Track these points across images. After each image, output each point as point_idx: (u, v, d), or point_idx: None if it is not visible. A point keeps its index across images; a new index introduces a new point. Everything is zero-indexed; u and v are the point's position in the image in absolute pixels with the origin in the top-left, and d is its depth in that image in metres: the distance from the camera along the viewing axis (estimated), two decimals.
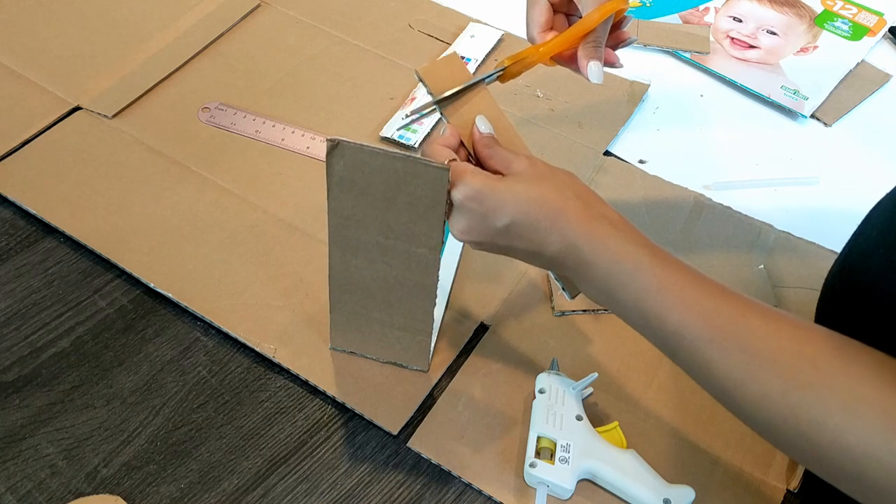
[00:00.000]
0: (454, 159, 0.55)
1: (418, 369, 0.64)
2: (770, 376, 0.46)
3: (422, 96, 0.84)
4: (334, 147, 0.52)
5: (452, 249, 0.71)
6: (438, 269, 0.57)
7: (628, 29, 0.65)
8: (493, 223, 0.53)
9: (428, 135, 0.81)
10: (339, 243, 0.57)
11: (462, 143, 0.58)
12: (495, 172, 0.55)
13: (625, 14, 0.64)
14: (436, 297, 0.59)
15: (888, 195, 0.58)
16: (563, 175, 0.55)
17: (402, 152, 0.51)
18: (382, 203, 0.54)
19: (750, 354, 0.47)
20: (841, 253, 0.62)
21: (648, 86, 0.88)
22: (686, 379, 0.66)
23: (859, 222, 0.61)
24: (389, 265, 0.57)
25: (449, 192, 0.53)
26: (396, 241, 0.56)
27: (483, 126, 0.58)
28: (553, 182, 0.53)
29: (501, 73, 0.61)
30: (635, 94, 0.87)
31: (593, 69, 0.61)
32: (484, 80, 0.60)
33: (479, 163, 0.57)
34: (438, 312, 0.67)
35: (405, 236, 0.55)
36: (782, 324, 0.48)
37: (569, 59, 0.63)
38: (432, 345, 0.65)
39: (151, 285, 0.68)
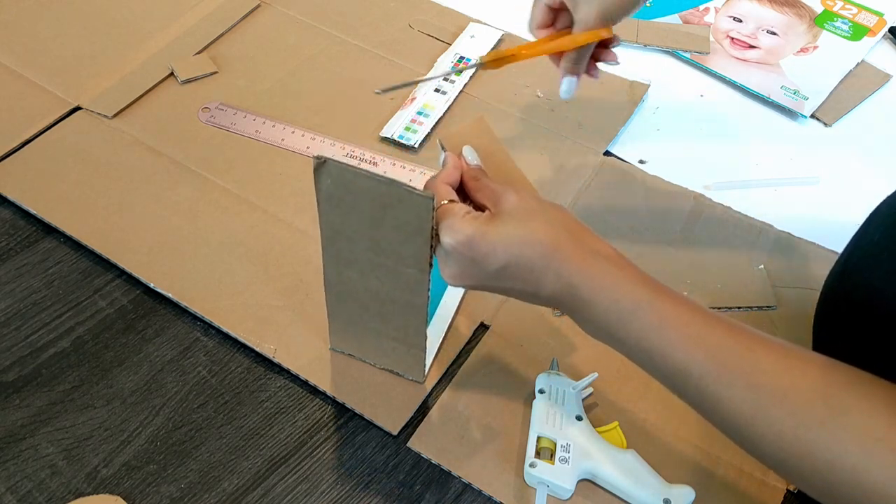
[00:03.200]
0: (453, 200, 0.53)
1: (414, 380, 0.64)
2: (781, 414, 0.45)
3: (421, 96, 0.84)
4: (321, 164, 0.51)
5: None
6: (428, 290, 0.56)
7: (616, 51, 0.69)
8: (485, 268, 0.51)
9: (427, 137, 0.81)
10: (332, 255, 0.57)
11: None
12: (483, 207, 0.54)
13: (613, 39, 0.68)
14: (427, 316, 0.58)
15: (891, 196, 0.57)
16: (554, 210, 0.53)
17: (387, 177, 0.50)
18: (370, 222, 0.53)
19: (759, 391, 0.46)
20: (842, 254, 0.62)
21: (648, 86, 0.88)
22: None
23: (860, 223, 0.61)
24: (381, 281, 0.57)
25: (435, 226, 0.52)
26: (386, 260, 0.55)
27: (470, 157, 0.57)
28: (544, 219, 0.52)
29: (482, 65, 0.65)
30: (635, 94, 0.87)
31: (564, 85, 0.64)
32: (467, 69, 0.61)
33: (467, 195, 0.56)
34: (439, 330, 0.67)
35: (394, 256, 0.54)
36: (791, 359, 0.47)
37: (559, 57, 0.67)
38: (429, 359, 0.64)
39: (151, 285, 0.68)
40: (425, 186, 0.55)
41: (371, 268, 0.56)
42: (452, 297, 0.69)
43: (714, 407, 0.48)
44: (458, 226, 0.51)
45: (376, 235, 0.54)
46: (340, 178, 0.51)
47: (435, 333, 0.66)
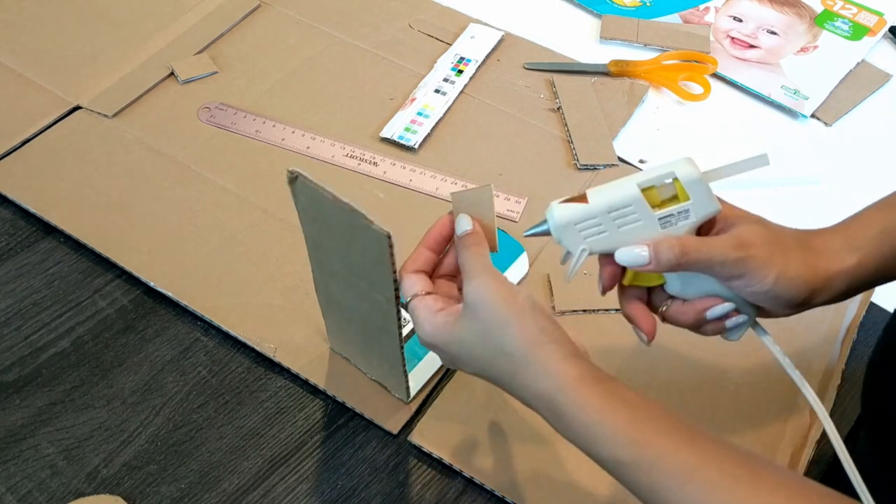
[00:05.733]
0: (417, 294, 0.52)
1: (399, 398, 0.63)
2: None
3: (421, 97, 0.84)
4: (293, 179, 0.50)
5: None
6: (399, 320, 0.54)
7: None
8: (458, 365, 0.52)
9: (427, 137, 0.81)
10: (316, 264, 0.57)
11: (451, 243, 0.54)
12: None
13: None
14: (400, 343, 0.56)
15: None
16: (517, 319, 0.48)
17: (351, 203, 0.48)
18: (342, 241, 0.52)
19: None
20: (883, 330, 0.58)
21: (648, 86, 0.88)
22: (686, 379, 0.66)
23: None
24: (357, 300, 0.56)
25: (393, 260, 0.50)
26: (359, 281, 0.54)
27: (462, 224, 0.52)
28: (500, 335, 0.48)
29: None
30: (635, 94, 0.87)
31: None
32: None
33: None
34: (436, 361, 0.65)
35: (365, 279, 0.54)
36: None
37: None
38: (420, 382, 0.63)
39: (152, 285, 0.68)
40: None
41: (348, 285, 0.56)
42: None
43: None
44: (427, 329, 0.51)
45: (348, 256, 0.53)
46: (312, 196, 0.51)
47: (432, 361, 0.64)
